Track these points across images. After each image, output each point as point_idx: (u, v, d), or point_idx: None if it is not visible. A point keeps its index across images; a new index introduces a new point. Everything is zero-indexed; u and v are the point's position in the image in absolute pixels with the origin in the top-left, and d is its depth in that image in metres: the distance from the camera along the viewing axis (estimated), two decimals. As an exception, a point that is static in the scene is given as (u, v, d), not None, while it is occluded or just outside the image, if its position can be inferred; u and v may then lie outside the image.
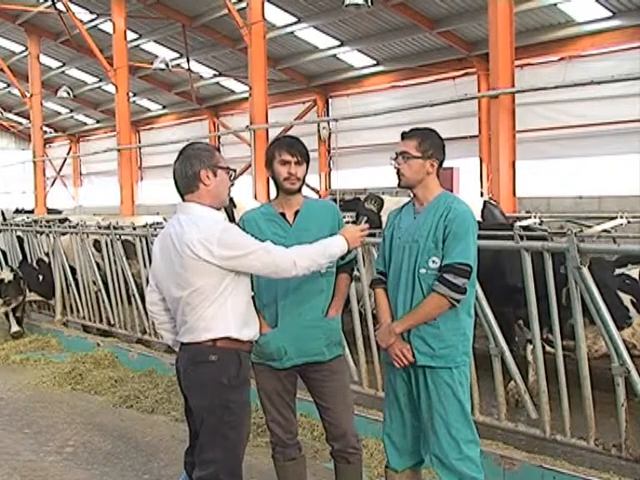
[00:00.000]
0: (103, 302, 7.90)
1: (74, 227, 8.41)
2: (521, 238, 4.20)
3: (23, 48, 22.78)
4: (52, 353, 7.61)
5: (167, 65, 18.10)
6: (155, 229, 6.86)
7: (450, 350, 3.04)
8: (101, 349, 7.23)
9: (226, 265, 2.84)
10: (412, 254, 3.08)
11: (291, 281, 3.11)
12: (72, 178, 32.34)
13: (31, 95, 22.23)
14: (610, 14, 13.39)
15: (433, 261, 3.03)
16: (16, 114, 30.75)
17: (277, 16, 16.34)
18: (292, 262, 2.88)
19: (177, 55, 20.09)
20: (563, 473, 3.75)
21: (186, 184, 2.96)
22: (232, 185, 3.09)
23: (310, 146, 4.63)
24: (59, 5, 17.85)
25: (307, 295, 3.20)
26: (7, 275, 8.24)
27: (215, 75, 21.37)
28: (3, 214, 16.19)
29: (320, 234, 3.12)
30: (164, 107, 25.65)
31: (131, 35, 18.56)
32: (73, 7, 17.73)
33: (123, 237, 7.65)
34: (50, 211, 21.80)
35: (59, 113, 29.74)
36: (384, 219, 3.38)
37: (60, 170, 32.48)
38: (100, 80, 23.80)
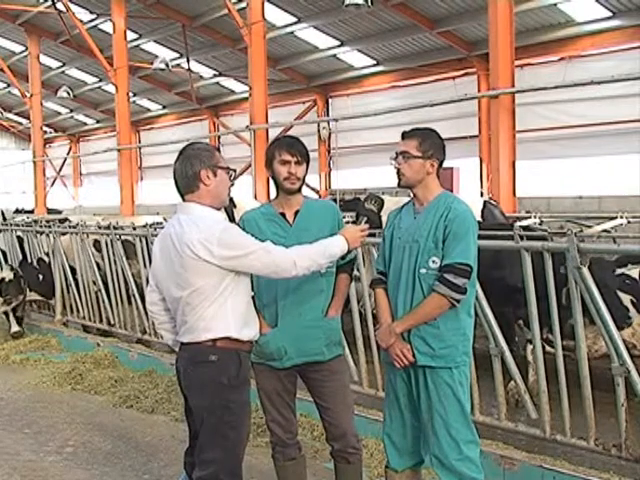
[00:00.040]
0: (103, 302, 7.90)
1: (74, 227, 8.41)
2: (521, 238, 4.20)
3: (23, 48, 22.79)
4: (52, 353, 7.61)
5: (167, 65, 18.11)
6: (155, 229, 6.86)
7: (450, 350, 3.04)
8: (101, 349, 7.23)
9: (226, 265, 2.84)
10: (412, 254, 3.08)
11: (291, 281, 3.11)
12: (72, 178, 32.36)
13: (31, 95, 22.24)
14: (610, 14, 13.39)
15: (433, 261, 3.03)
16: (16, 114, 30.76)
17: (277, 16, 16.34)
18: (292, 262, 2.88)
19: (177, 55, 20.10)
20: (563, 473, 3.75)
21: (186, 184, 2.96)
22: (232, 185, 3.10)
23: (310, 146, 4.63)
24: (59, 5, 17.85)
25: (307, 295, 3.20)
26: (8, 274, 8.24)
27: (215, 75, 21.37)
28: (3, 214, 16.19)
29: (320, 234, 3.12)
30: (164, 107, 25.66)
31: (131, 35, 18.57)
32: (73, 7, 17.74)
33: (123, 237, 7.65)
34: (50, 211, 21.80)
35: (59, 113, 29.75)
36: (384, 219, 3.38)
37: (60, 170, 32.49)
38: (100, 80, 23.81)
